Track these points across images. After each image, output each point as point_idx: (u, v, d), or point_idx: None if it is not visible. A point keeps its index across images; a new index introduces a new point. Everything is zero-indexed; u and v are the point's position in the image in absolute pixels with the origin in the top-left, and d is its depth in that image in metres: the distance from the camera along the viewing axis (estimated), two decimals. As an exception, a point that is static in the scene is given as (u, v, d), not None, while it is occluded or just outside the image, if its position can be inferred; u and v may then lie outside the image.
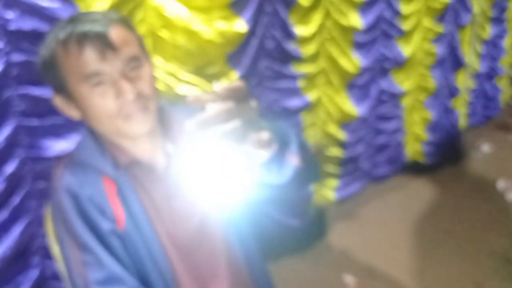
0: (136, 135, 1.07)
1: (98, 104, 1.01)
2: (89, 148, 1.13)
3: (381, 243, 3.10)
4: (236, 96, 0.74)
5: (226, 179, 0.79)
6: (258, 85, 2.65)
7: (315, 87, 2.99)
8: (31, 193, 1.86)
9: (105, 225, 1.06)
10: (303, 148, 0.97)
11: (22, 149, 1.80)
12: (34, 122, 1.79)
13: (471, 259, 2.91)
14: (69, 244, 1.06)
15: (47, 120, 1.81)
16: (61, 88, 1.05)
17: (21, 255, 1.87)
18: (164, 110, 1.19)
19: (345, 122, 3.24)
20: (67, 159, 1.15)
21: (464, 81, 4.22)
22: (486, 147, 4.58)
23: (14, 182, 1.79)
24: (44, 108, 1.77)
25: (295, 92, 2.88)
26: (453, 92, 4.09)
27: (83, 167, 1.11)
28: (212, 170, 0.77)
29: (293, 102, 2.88)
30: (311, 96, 2.95)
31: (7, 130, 1.72)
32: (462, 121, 4.44)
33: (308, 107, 2.96)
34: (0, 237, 1.78)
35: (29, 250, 1.91)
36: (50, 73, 1.05)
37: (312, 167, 0.98)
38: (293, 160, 0.92)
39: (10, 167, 1.76)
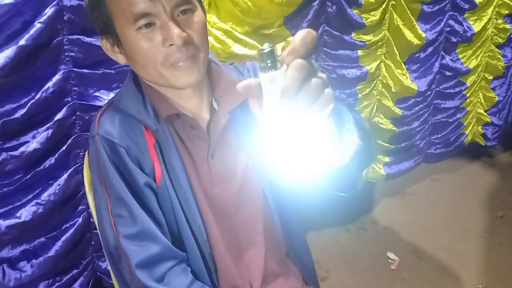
0: (182, 86, 1.00)
1: (144, 48, 0.95)
2: (131, 97, 1.08)
3: (428, 224, 3.00)
4: (311, 48, 0.62)
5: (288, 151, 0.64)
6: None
7: (375, 58, 2.88)
8: (78, 142, 1.87)
9: (141, 179, 1.01)
10: (361, 126, 0.82)
11: (71, 96, 1.79)
12: (85, 69, 1.77)
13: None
14: (103, 195, 1.03)
15: (98, 69, 1.79)
16: (108, 30, 1.00)
17: (66, 202, 1.89)
18: (213, 65, 1.13)
19: (403, 97, 3.11)
20: (107, 107, 1.09)
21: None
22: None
23: (61, 128, 1.78)
24: (96, 57, 1.75)
25: (353, 61, 2.77)
26: (523, 74, 3.85)
27: (123, 116, 1.05)
28: (270, 137, 0.63)
29: (351, 72, 2.77)
30: (370, 66, 2.84)
31: (57, 75, 1.71)
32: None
33: (366, 78, 2.85)
34: (46, 183, 1.80)
35: (74, 198, 1.92)
36: (96, 12, 0.99)
37: (369, 146, 0.86)
38: (352, 138, 0.79)
39: (58, 114, 1.76)
